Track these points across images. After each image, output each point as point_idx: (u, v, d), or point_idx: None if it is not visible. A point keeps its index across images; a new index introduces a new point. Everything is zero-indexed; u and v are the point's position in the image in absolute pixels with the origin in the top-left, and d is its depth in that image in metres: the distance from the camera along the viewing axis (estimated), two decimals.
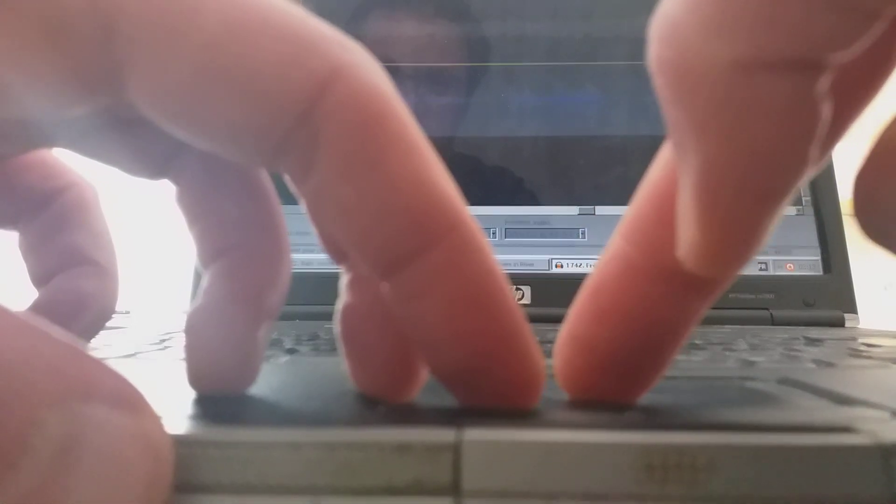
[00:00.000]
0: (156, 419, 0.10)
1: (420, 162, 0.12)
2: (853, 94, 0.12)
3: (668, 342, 0.14)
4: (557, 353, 0.15)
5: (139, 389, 0.10)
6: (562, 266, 0.54)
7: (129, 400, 0.10)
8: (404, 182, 0.12)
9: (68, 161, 0.19)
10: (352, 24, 0.59)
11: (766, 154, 0.11)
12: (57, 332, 0.10)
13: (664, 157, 0.14)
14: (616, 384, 0.14)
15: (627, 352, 0.14)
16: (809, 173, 0.11)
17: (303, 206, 0.14)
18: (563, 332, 0.15)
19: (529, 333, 0.13)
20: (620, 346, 0.14)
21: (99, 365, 0.10)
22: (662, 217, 0.13)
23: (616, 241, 0.14)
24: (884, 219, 0.11)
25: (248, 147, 0.12)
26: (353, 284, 0.15)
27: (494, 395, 0.13)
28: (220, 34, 0.11)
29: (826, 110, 0.11)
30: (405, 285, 0.12)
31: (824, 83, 0.10)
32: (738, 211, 0.11)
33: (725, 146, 0.11)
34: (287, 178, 0.13)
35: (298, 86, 0.11)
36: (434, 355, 0.13)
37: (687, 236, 0.12)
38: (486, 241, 0.13)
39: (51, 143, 0.15)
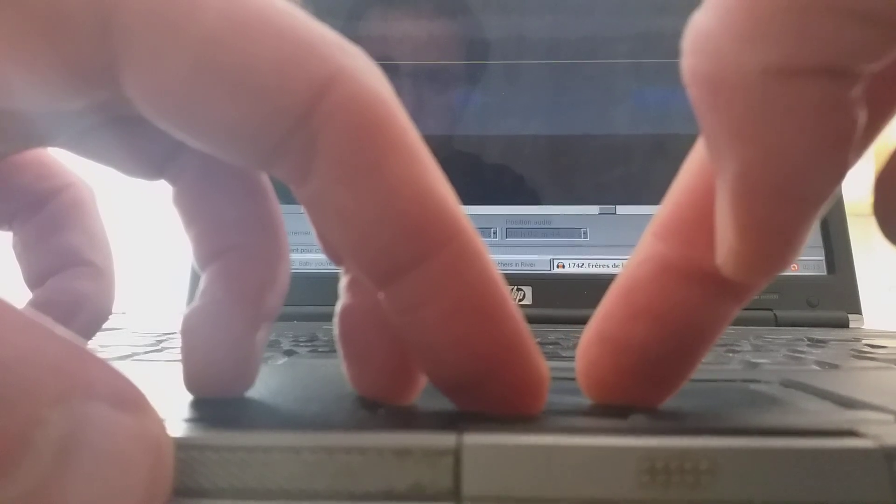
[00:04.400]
0: (157, 419, 0.10)
1: (419, 169, 0.12)
2: (887, 96, 0.12)
3: (699, 345, 0.14)
4: (582, 353, 0.14)
5: (141, 389, 0.10)
6: (563, 266, 0.54)
7: (130, 399, 0.10)
8: (403, 189, 0.12)
9: (65, 161, 0.19)
10: (351, 21, 0.59)
11: (802, 159, 0.11)
12: (60, 331, 0.10)
13: (697, 157, 0.14)
14: (643, 388, 0.14)
15: (658, 354, 0.14)
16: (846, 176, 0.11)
17: (302, 207, 0.14)
18: (591, 332, 0.14)
19: (532, 340, 0.13)
20: (652, 348, 0.14)
21: (101, 364, 0.10)
22: (699, 218, 0.13)
23: (649, 241, 0.14)
24: None
25: (243, 148, 0.12)
26: (352, 286, 0.15)
27: (497, 404, 0.13)
28: (219, 30, 0.11)
29: (862, 115, 0.11)
30: (404, 295, 0.12)
31: (858, 89, 0.11)
32: (776, 217, 0.11)
33: (762, 152, 0.11)
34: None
35: (297, 87, 0.11)
36: (434, 365, 0.13)
37: (725, 244, 0.12)
38: (486, 249, 0.12)
39: (47, 141, 0.15)
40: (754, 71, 0.10)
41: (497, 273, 0.12)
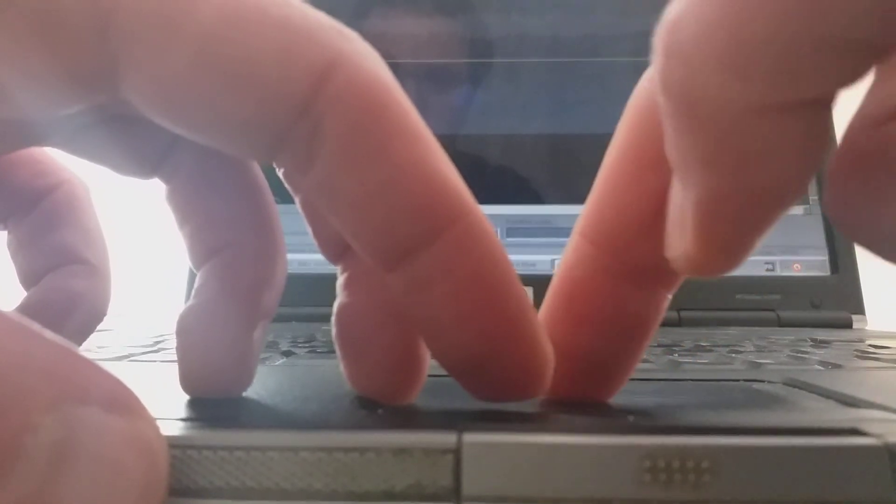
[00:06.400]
0: (151, 422, 0.10)
1: (424, 151, 0.12)
2: None
3: (641, 336, 0.14)
4: None
5: (134, 392, 0.10)
6: None
7: (123, 403, 0.10)
8: (409, 172, 0.12)
9: (60, 158, 0.19)
10: (352, 20, 0.59)
11: (778, 186, 0.11)
12: (50, 335, 0.09)
13: (617, 153, 0.14)
14: (595, 386, 0.14)
15: (605, 353, 0.14)
16: None
17: (298, 204, 0.14)
18: None
19: (537, 321, 0.13)
20: (599, 350, 0.14)
21: (93, 367, 0.10)
22: (626, 218, 0.13)
23: (579, 243, 0.14)
24: (854, 216, 0.11)
25: (246, 140, 0.12)
26: (349, 284, 0.15)
27: (502, 385, 0.13)
28: (217, 26, 0.11)
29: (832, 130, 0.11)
30: (411, 276, 0.12)
31: (832, 110, 0.10)
32: (738, 233, 0.11)
33: (733, 180, 0.11)
34: (283, 173, 0.13)
35: (297, 77, 0.11)
36: (441, 345, 0.13)
37: (680, 248, 0.12)
38: (492, 229, 0.13)
39: (42, 141, 0.15)
40: (737, 104, 0.10)
41: (503, 253, 0.13)
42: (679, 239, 0.12)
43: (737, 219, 0.11)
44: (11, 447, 0.08)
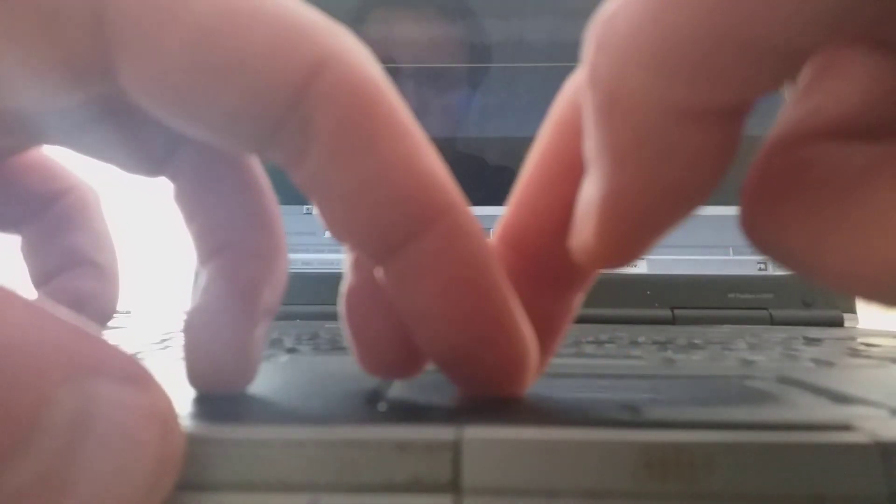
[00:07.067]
0: (164, 395, 0.10)
1: (411, 147, 0.12)
2: None
3: (556, 333, 0.15)
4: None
5: (146, 367, 0.10)
6: None
7: (137, 376, 0.10)
8: (395, 168, 0.12)
9: (68, 164, 0.19)
10: (351, 25, 0.59)
11: (680, 189, 0.11)
12: (63, 313, 0.10)
13: (535, 163, 0.14)
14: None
15: None
16: None
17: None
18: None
19: (518, 318, 0.13)
20: None
21: (106, 344, 0.10)
22: (543, 223, 0.14)
23: (498, 249, 0.14)
24: (764, 234, 0.11)
25: (239, 133, 0.12)
26: (357, 265, 0.15)
27: (485, 379, 0.13)
28: (210, 19, 0.11)
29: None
30: (398, 269, 0.13)
31: (745, 122, 0.10)
32: (636, 230, 0.11)
33: (641, 181, 0.11)
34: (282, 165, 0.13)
35: (288, 71, 0.11)
36: (427, 338, 0.13)
37: (583, 238, 0.12)
38: (478, 225, 0.13)
39: (48, 138, 0.15)
40: (658, 106, 0.10)
41: (488, 249, 0.13)
42: (582, 230, 0.12)
43: (638, 216, 0.11)
44: (28, 421, 0.08)
